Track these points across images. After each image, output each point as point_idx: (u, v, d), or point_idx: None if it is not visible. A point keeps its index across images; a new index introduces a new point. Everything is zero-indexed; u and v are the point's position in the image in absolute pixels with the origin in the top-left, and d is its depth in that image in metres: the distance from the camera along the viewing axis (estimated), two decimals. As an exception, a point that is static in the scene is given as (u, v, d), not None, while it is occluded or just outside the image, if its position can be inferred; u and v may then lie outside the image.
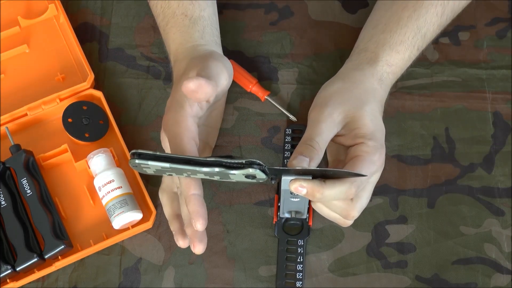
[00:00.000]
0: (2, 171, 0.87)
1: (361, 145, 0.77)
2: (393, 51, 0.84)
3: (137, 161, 0.72)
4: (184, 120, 0.78)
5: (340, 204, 0.78)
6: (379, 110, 0.82)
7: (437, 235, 0.88)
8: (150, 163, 0.72)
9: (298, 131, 0.92)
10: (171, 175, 0.75)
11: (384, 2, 0.88)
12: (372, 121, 0.79)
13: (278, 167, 0.73)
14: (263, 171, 0.72)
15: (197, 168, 0.72)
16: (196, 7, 0.85)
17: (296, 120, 0.92)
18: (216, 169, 0.72)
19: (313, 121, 0.79)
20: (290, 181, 0.74)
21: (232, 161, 0.72)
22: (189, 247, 0.87)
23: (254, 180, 0.74)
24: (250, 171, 0.72)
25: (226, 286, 0.86)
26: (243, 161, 0.72)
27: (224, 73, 0.80)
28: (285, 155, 0.91)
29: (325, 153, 0.86)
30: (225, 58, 0.84)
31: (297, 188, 0.73)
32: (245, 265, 0.87)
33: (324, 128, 0.77)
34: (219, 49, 0.85)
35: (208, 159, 0.72)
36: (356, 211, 0.79)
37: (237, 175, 0.72)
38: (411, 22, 0.85)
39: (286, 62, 0.97)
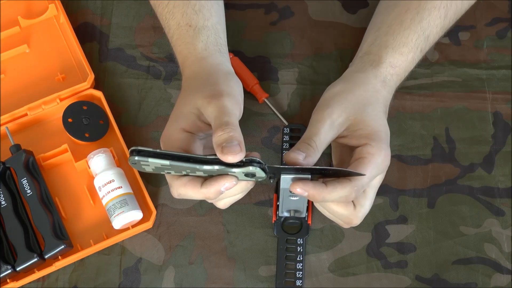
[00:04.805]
0: (2, 171, 0.87)
1: (365, 146, 0.77)
2: (396, 52, 0.84)
3: (136, 158, 0.72)
4: (177, 134, 0.78)
5: (343, 212, 0.78)
6: (383, 111, 0.82)
7: (437, 235, 0.88)
8: (150, 160, 0.72)
9: (296, 130, 0.92)
10: (170, 173, 0.75)
11: (386, 5, 0.88)
12: (375, 122, 0.79)
13: (277, 166, 0.73)
14: (263, 169, 0.72)
15: (197, 166, 0.72)
16: (200, 17, 0.85)
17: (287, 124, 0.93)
18: (216, 167, 0.72)
19: (313, 122, 0.79)
20: (291, 182, 0.74)
21: None
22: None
23: (253, 179, 0.74)
24: (250, 169, 0.72)
25: (226, 286, 0.86)
26: (243, 159, 0.72)
27: (239, 107, 0.79)
28: (284, 154, 0.91)
29: (330, 155, 0.86)
30: (233, 78, 0.82)
31: (296, 190, 0.73)
32: (245, 265, 0.87)
33: (322, 129, 0.77)
34: (224, 57, 0.85)
35: (208, 157, 0.72)
36: (358, 219, 0.79)
37: (237, 173, 0.72)
38: (414, 24, 0.84)
39: (286, 62, 0.97)
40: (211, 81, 0.79)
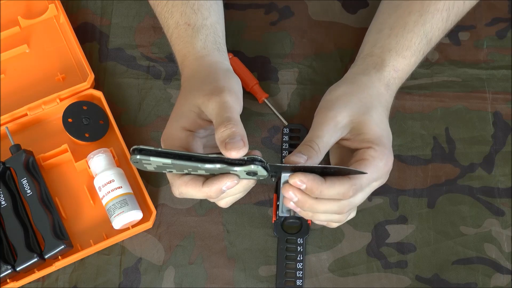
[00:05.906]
0: (2, 171, 0.87)
1: (368, 150, 0.77)
2: (399, 56, 0.84)
3: (138, 157, 0.72)
4: (177, 133, 0.78)
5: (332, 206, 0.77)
6: (386, 115, 0.82)
7: (437, 235, 0.88)
8: (152, 159, 0.72)
9: (296, 130, 0.92)
10: (171, 171, 0.75)
11: (388, 5, 0.88)
12: (378, 126, 0.79)
13: (279, 164, 0.73)
14: (265, 167, 0.72)
15: (199, 165, 0.72)
16: (199, 16, 0.85)
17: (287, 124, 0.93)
18: (218, 166, 0.72)
19: (316, 123, 0.79)
20: (290, 174, 0.74)
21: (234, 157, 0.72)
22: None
23: (254, 177, 0.74)
24: (252, 167, 0.72)
25: (226, 286, 0.86)
26: (245, 158, 0.72)
27: (240, 103, 0.79)
28: (283, 154, 0.91)
29: (328, 155, 0.86)
30: (232, 75, 0.82)
31: (296, 182, 0.73)
32: (245, 265, 0.87)
33: (326, 131, 0.77)
34: (222, 56, 0.85)
35: (210, 155, 0.72)
36: (348, 208, 0.77)
37: (238, 171, 0.72)
38: (417, 27, 0.84)
39: (286, 62, 0.97)
40: (211, 79, 0.79)
